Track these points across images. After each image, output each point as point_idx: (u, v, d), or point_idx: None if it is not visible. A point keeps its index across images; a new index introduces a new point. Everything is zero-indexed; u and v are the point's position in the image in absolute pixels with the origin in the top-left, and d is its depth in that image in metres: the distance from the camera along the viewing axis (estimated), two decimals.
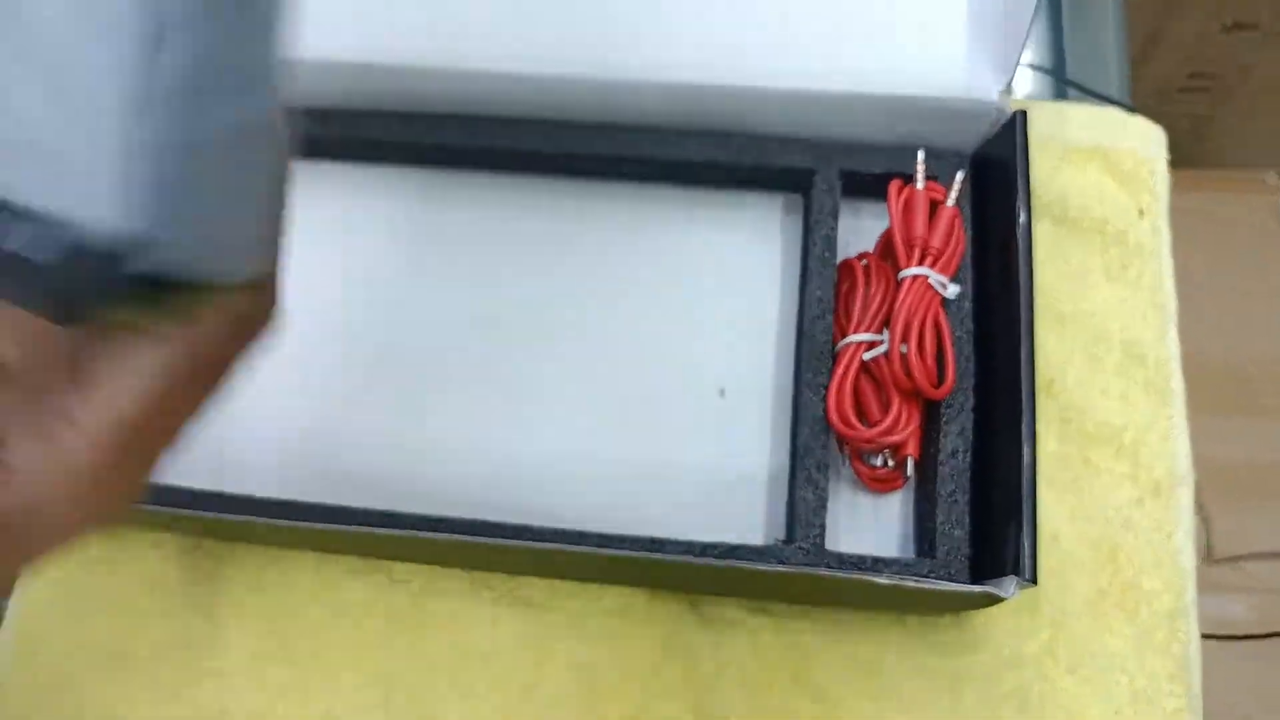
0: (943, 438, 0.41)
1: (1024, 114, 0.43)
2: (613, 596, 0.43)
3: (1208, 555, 1.00)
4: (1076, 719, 0.41)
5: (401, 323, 0.47)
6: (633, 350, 0.46)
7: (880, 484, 0.43)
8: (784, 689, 0.42)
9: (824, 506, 0.41)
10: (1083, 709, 0.41)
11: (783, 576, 0.39)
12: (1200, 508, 0.64)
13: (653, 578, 0.42)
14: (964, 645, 0.42)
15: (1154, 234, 0.48)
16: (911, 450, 0.42)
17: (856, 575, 0.37)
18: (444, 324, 0.47)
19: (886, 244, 0.44)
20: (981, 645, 0.42)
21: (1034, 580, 0.36)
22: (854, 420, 0.42)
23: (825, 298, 0.44)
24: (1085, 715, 0.41)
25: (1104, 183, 0.49)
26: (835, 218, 0.45)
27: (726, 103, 0.45)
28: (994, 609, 0.42)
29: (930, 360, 0.41)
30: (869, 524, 0.43)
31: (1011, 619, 0.43)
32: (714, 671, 0.42)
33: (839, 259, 0.45)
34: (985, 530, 0.40)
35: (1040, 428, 0.39)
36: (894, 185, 0.44)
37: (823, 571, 0.38)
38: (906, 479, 0.43)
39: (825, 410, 0.42)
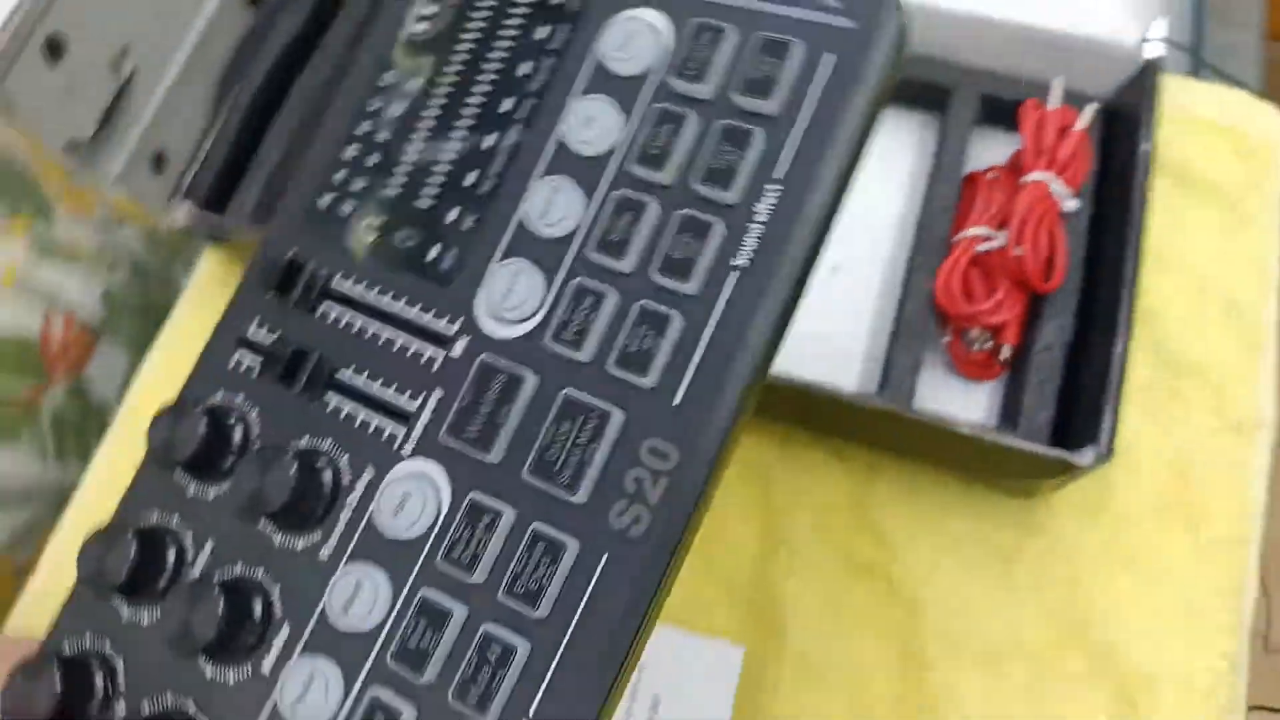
0: (1041, 331, 0.44)
1: (1156, 63, 0.47)
2: None
3: (1265, 644, 0.98)
4: (1121, 617, 0.43)
5: None
6: None
7: (974, 369, 0.47)
8: (847, 527, 0.45)
9: (916, 371, 0.44)
10: (1129, 608, 0.43)
11: (868, 412, 0.42)
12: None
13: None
14: (1026, 526, 0.45)
15: (1265, 209, 0.51)
16: (1010, 338, 0.45)
17: (939, 421, 0.40)
18: None
19: (1015, 161, 0.48)
20: (1043, 529, 0.45)
21: (1110, 453, 0.38)
22: (960, 298, 0.45)
23: (948, 197, 0.48)
24: (1130, 614, 0.43)
25: (1226, 156, 0.52)
26: (968, 133, 0.49)
27: None
28: (1060, 500, 0.45)
29: (1041, 256, 0.44)
30: (956, 409, 0.46)
31: (1076, 511, 0.45)
32: (786, 502, 0.46)
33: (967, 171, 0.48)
34: (1068, 420, 0.43)
35: (1135, 354, 0.41)
36: (1030, 102, 0.48)
37: (907, 411, 0.41)
38: (1003, 364, 0.46)
39: (934, 289, 0.46)
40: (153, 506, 0.27)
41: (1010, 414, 0.45)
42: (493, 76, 0.28)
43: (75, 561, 0.26)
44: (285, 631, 0.24)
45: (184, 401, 0.27)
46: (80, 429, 0.56)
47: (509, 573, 0.23)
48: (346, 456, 0.25)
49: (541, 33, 0.28)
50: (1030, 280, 0.45)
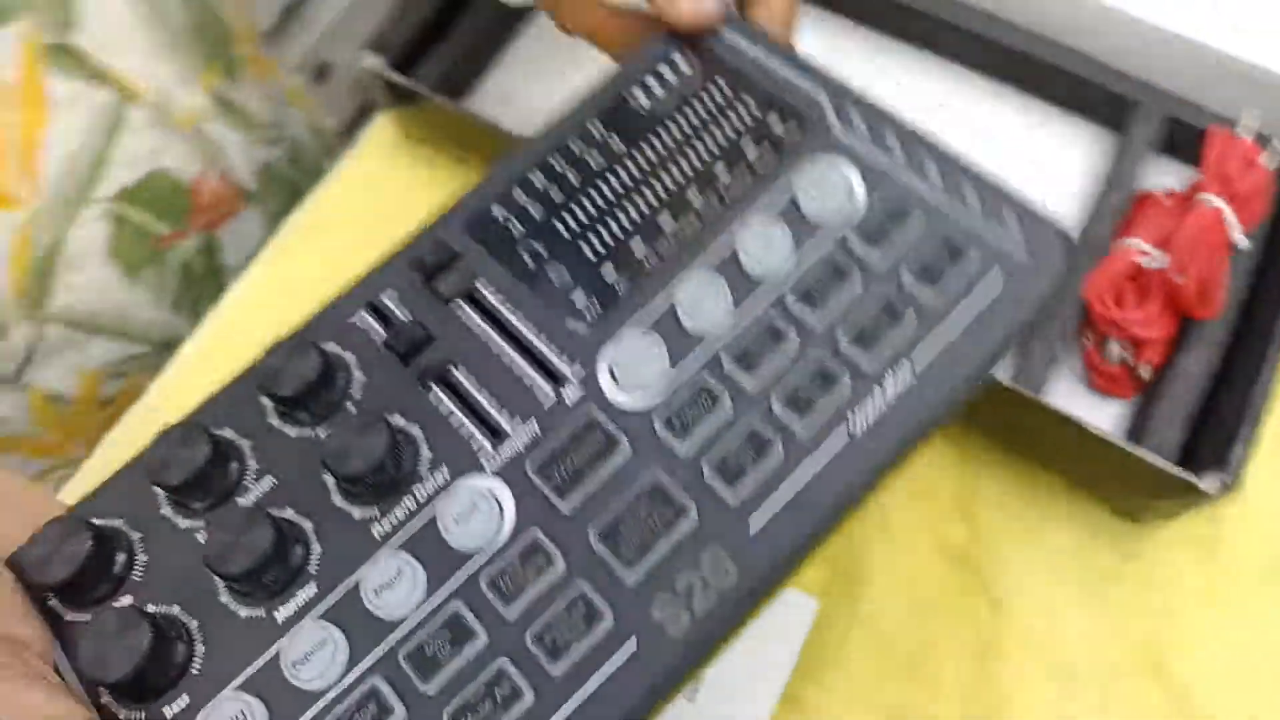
0: (1185, 357, 0.42)
1: None
2: None
3: None
4: (1206, 661, 0.42)
5: None
6: None
7: (1107, 382, 0.45)
8: (946, 511, 0.45)
9: (1049, 366, 0.42)
10: (1216, 654, 0.42)
11: (996, 395, 0.40)
12: None
13: None
14: (1128, 549, 0.44)
15: None
16: (1153, 357, 0.43)
17: (1066, 416, 0.38)
18: None
19: (1191, 190, 0.45)
20: (1144, 556, 0.44)
21: (1235, 484, 0.36)
22: (1110, 302, 0.43)
23: (1117, 208, 0.46)
24: (1216, 661, 0.42)
25: None
26: (1145, 153, 0.47)
27: (1082, 18, 0.47)
28: (1168, 530, 0.43)
29: (1202, 280, 0.42)
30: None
31: (1183, 546, 0.44)
32: None
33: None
34: (1196, 449, 0.41)
35: (1278, 398, 0.39)
36: (1216, 127, 0.45)
37: (1033, 394, 0.39)
38: (1138, 383, 0.44)
39: (1084, 287, 0.44)
40: (232, 422, 0.28)
41: (1136, 435, 0.43)
42: (693, 167, 0.30)
43: (143, 446, 0.27)
44: (311, 590, 0.25)
45: (303, 340, 0.28)
46: (201, 286, 0.58)
47: (542, 620, 0.24)
48: (430, 450, 0.27)
49: (751, 150, 0.30)
50: (1186, 302, 0.43)
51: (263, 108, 0.59)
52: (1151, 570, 0.44)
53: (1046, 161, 0.51)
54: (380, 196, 0.54)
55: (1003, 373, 0.43)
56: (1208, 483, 0.37)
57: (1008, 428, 0.44)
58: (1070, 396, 0.45)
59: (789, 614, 0.42)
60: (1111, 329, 0.44)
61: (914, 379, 0.26)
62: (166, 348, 0.53)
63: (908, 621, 0.43)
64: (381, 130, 0.55)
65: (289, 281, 0.52)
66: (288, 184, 0.62)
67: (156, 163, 0.51)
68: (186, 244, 0.55)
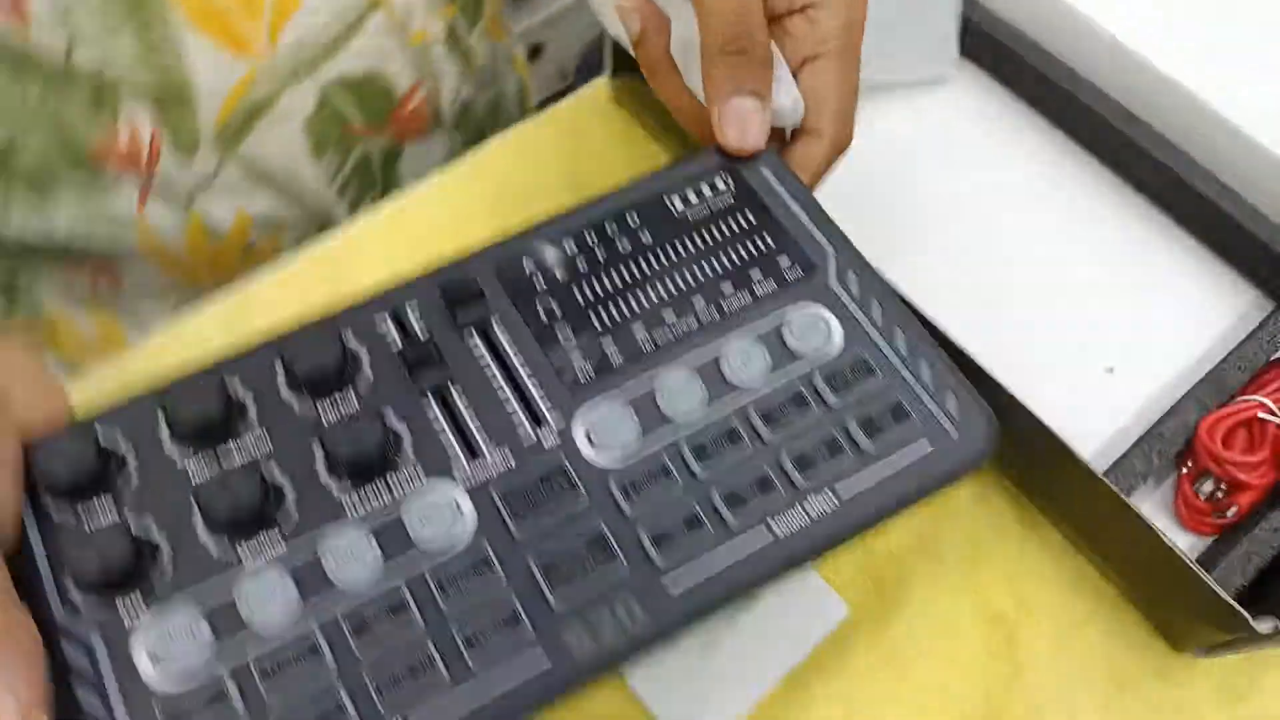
0: (1275, 512, 0.43)
1: None
2: None
3: None
4: None
5: None
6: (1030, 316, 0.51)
7: (1191, 516, 0.46)
8: (997, 571, 0.46)
9: (1141, 479, 0.44)
10: None
11: (1082, 477, 0.41)
12: None
13: None
14: (1158, 669, 0.45)
15: None
16: (1244, 502, 0.45)
17: (1145, 520, 0.40)
18: None
19: None
20: (1174, 680, 0.44)
21: None
22: (1218, 439, 0.46)
23: (1254, 358, 0.47)
24: None
25: None
26: None
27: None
28: (1204, 666, 0.44)
29: None
30: None
31: (1215, 685, 0.44)
32: (951, 513, 0.47)
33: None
34: (1258, 595, 0.42)
35: None
36: None
37: (1121, 492, 0.41)
38: (1219, 524, 0.45)
39: (1198, 420, 0.46)
40: (247, 381, 0.31)
41: (1206, 563, 0.44)
42: (705, 276, 0.35)
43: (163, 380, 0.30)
44: (279, 544, 0.29)
45: (331, 328, 0.32)
46: (370, 183, 0.62)
47: (471, 619, 0.27)
48: (413, 451, 0.30)
49: (756, 276, 0.35)
50: None
51: (484, 55, 0.63)
52: (1179, 698, 0.44)
53: (1199, 299, 0.52)
54: (561, 156, 0.56)
55: (1098, 463, 0.44)
56: (1263, 625, 0.37)
57: (1078, 513, 0.45)
58: (1150, 515, 0.44)
59: (816, 610, 0.44)
60: (1213, 465, 0.45)
61: (835, 504, 0.31)
62: (317, 222, 0.58)
63: (931, 653, 0.44)
64: (594, 93, 0.58)
65: (446, 208, 0.54)
66: (478, 127, 0.66)
67: (379, 65, 0.56)
68: (374, 142, 0.59)
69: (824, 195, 0.38)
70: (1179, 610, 0.43)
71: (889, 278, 0.37)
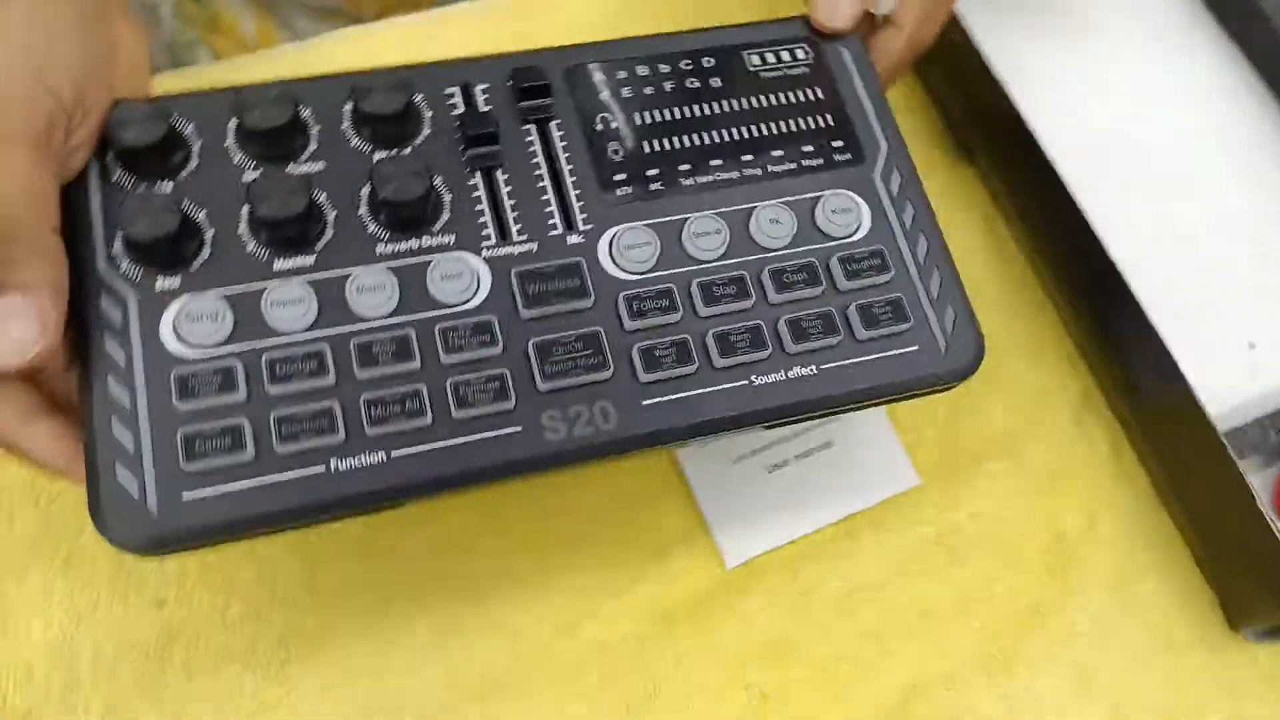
0: None
1: None
2: None
3: None
4: None
5: None
6: None
7: None
8: (1076, 486, 0.47)
9: (1250, 452, 0.47)
10: None
11: (1192, 425, 0.43)
12: None
13: None
14: (1203, 636, 0.45)
15: None
16: None
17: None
18: None
19: None
20: (1217, 651, 0.45)
21: None
22: None
23: None
24: None
25: None
26: None
27: None
28: (1253, 654, 0.45)
29: None
30: None
31: (1258, 670, 0.45)
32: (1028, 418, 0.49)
33: None
34: None
35: None
36: None
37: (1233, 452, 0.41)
38: None
39: None
40: (315, 106, 0.33)
41: None
42: (760, 134, 0.36)
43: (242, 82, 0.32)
44: (310, 260, 0.31)
45: (403, 81, 0.33)
46: None
47: (465, 375, 0.31)
48: (449, 214, 0.33)
49: (808, 148, 0.36)
50: None
51: None
52: (1221, 674, 0.44)
53: None
54: None
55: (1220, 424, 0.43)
56: None
57: (1177, 461, 0.45)
58: None
59: (889, 471, 0.45)
60: None
61: (814, 375, 0.33)
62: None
63: (985, 552, 0.45)
64: None
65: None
66: None
67: None
68: None
69: None
70: (1249, 581, 0.43)
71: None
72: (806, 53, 0.38)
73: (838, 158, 0.37)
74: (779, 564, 0.43)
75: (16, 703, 0.36)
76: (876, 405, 0.35)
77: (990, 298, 0.51)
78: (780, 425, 0.34)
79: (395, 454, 0.30)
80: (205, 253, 0.31)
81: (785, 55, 0.38)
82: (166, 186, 0.32)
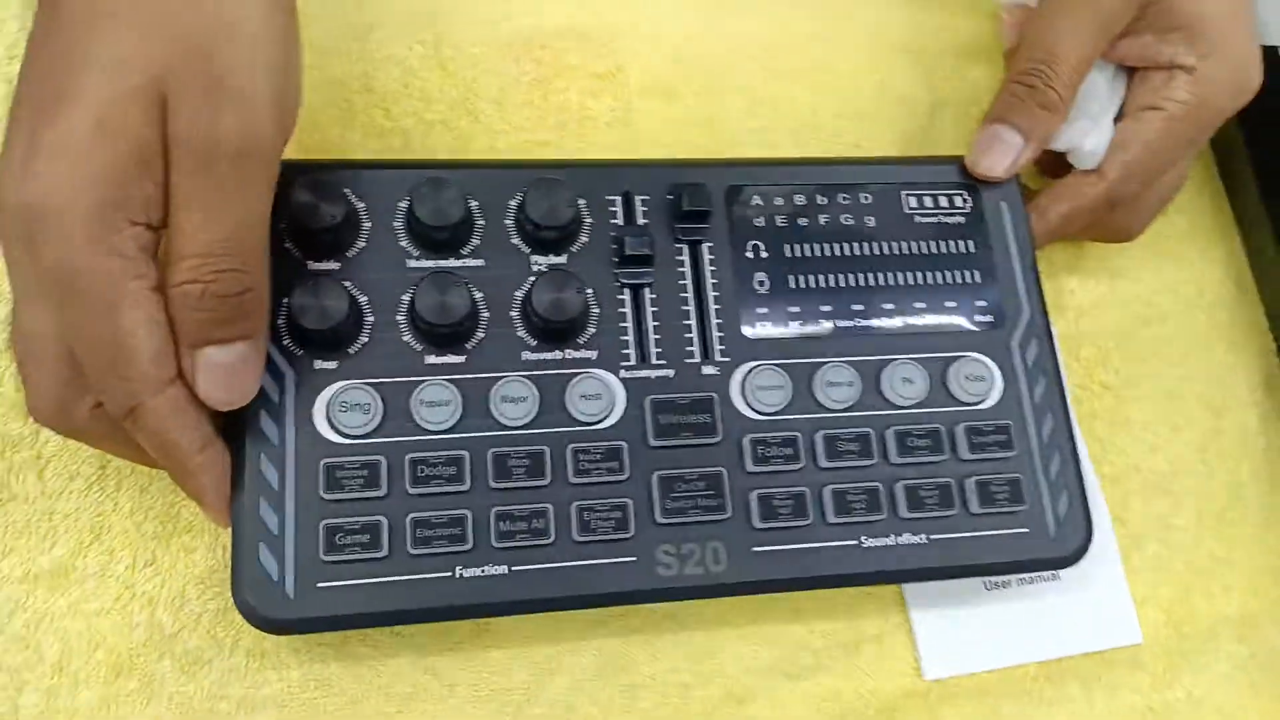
0: None
1: None
2: None
3: None
4: None
5: None
6: None
7: None
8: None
9: None
10: None
11: None
12: None
13: None
14: None
15: None
16: None
17: None
18: None
19: None
20: None
21: None
22: None
23: None
24: None
25: None
26: None
27: None
28: None
29: None
30: None
31: None
32: None
33: None
34: None
35: None
36: None
37: None
38: None
39: None
40: (481, 198, 0.35)
41: None
42: (906, 282, 0.38)
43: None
44: (460, 360, 0.34)
45: (565, 187, 0.35)
46: None
47: (589, 500, 0.33)
48: (595, 331, 0.35)
49: (951, 305, 0.38)
50: None
51: None
52: None
53: None
54: None
55: None
56: None
57: None
58: None
59: (1113, 623, 0.42)
60: None
61: (920, 546, 0.35)
62: None
63: None
64: None
65: None
66: None
67: None
68: None
69: None
70: None
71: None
72: (965, 200, 0.39)
73: (979, 318, 0.38)
74: (977, 690, 0.40)
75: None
76: (970, 577, 0.37)
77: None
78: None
79: (516, 568, 0.32)
80: (363, 338, 0.33)
81: (944, 201, 0.39)
82: (333, 265, 0.34)
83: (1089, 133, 0.40)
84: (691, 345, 0.36)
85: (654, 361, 0.35)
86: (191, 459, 0.30)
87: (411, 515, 0.32)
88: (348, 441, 0.32)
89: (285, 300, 0.33)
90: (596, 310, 0.35)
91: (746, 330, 0.36)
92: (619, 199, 0.37)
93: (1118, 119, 0.41)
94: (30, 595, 0.34)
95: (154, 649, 0.34)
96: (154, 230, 0.29)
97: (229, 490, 0.31)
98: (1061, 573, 0.42)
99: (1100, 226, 0.43)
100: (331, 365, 0.33)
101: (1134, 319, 0.44)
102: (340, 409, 0.32)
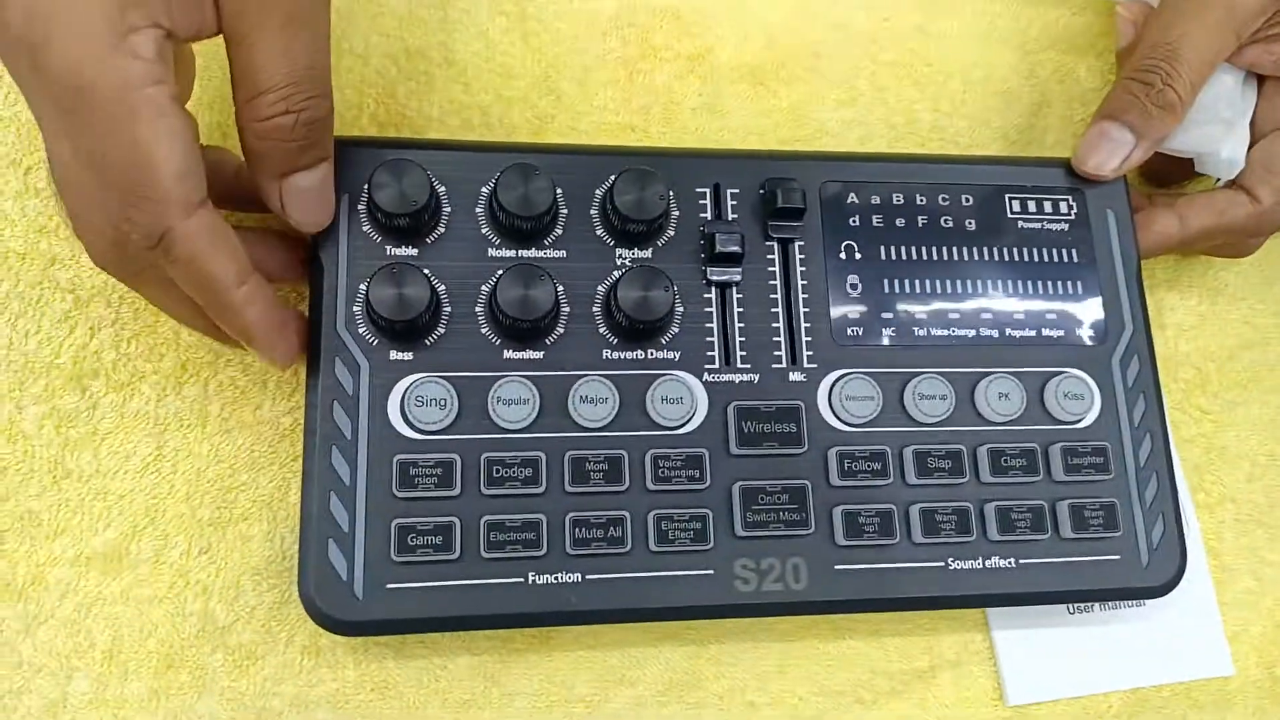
0: None
1: None
2: None
3: None
4: None
5: None
6: None
7: None
8: None
9: None
10: None
11: None
12: None
13: None
14: None
15: None
16: None
17: None
18: None
19: None
20: None
21: None
22: None
23: None
24: None
25: None
26: None
27: None
28: None
29: None
30: None
31: None
32: None
33: None
34: None
35: None
36: None
37: None
38: None
39: None
40: (570, 193, 0.34)
41: None
42: (1004, 293, 0.37)
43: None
44: (539, 357, 0.33)
45: (656, 179, 0.34)
46: None
47: (668, 509, 0.32)
48: (678, 331, 0.34)
49: (1053, 317, 0.37)
50: None
51: None
52: None
53: None
54: None
55: None
56: None
57: None
58: None
59: (1204, 654, 0.41)
60: None
61: (1009, 570, 0.34)
62: None
63: None
64: None
65: None
66: None
67: None
68: None
69: None
70: None
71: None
72: (1070, 206, 0.38)
73: (1080, 332, 0.37)
74: (1060, 718, 0.39)
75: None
76: (1057, 604, 0.36)
77: None
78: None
79: (590, 577, 0.32)
80: (440, 329, 0.33)
81: (1048, 206, 0.38)
82: (412, 251, 0.33)
83: (1223, 139, 0.38)
84: (779, 350, 0.35)
85: (739, 365, 0.34)
86: (232, 292, 0.29)
87: (485, 517, 0.31)
88: (422, 438, 0.32)
89: (364, 288, 0.32)
90: (681, 309, 0.34)
91: (837, 336, 0.35)
92: (708, 191, 0.36)
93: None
94: (82, 579, 0.33)
95: (207, 641, 0.33)
96: (172, 40, 0.27)
97: (282, 323, 0.31)
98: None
99: (1229, 246, 0.41)
100: (408, 357, 0.32)
101: (1235, 340, 0.43)
102: (416, 403, 0.32)
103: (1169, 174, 0.42)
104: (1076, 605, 0.39)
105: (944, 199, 0.37)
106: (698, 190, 0.36)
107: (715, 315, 0.35)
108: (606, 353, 0.34)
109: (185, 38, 0.28)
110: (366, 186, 0.32)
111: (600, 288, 0.34)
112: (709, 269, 0.35)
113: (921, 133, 0.42)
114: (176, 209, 0.27)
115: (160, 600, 0.34)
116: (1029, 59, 0.44)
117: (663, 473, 0.33)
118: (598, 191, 0.35)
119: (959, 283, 0.37)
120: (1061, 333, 0.37)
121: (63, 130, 0.27)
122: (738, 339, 0.35)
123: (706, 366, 0.34)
